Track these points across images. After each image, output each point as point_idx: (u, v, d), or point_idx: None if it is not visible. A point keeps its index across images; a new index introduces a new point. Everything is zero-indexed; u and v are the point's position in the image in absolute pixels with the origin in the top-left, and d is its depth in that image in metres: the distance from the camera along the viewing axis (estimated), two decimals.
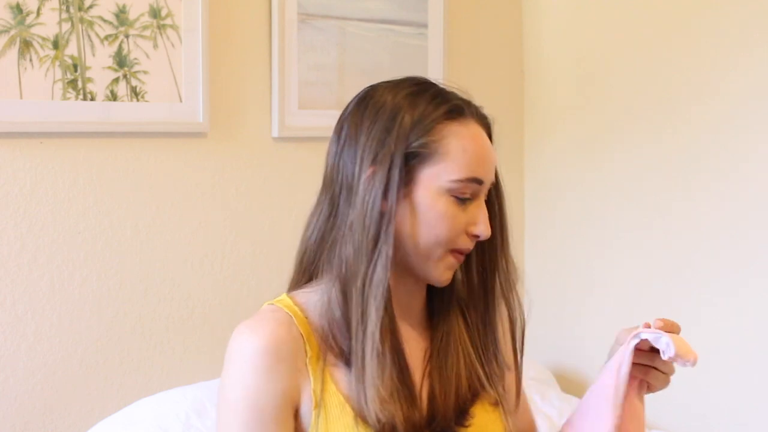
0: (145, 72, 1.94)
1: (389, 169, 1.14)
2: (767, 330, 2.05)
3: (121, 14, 1.90)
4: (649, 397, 1.18)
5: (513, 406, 1.28)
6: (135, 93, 1.93)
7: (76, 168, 1.88)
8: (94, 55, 1.87)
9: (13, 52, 1.78)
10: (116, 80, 1.90)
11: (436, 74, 2.33)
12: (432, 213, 1.15)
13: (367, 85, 1.23)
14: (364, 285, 1.13)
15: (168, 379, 1.99)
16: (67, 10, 1.83)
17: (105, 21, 1.88)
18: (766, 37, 2.03)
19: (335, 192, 1.19)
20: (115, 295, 1.93)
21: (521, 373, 1.28)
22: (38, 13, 1.80)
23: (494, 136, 1.24)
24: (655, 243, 2.28)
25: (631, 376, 1.13)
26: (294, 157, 2.17)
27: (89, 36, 1.87)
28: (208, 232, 2.06)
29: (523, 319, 1.27)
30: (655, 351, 1.12)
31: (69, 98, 1.84)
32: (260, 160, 2.13)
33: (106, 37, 1.89)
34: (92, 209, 1.90)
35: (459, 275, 1.25)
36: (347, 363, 1.15)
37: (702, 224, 2.17)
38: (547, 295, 2.51)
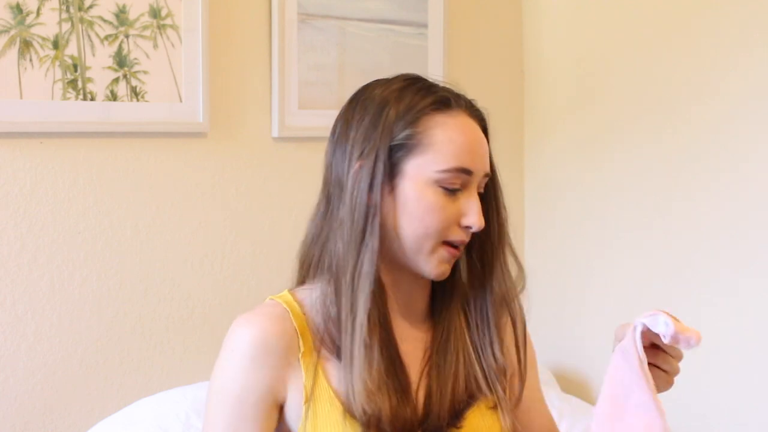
0: (145, 72, 1.94)
1: (374, 163, 1.15)
2: (767, 330, 2.05)
3: (121, 14, 1.90)
4: None
5: (516, 407, 1.28)
6: (135, 93, 1.93)
7: (76, 168, 1.88)
8: (94, 55, 1.87)
9: (13, 52, 1.78)
10: (116, 80, 1.90)
11: (436, 74, 2.31)
12: (420, 205, 1.15)
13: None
14: (353, 278, 1.14)
15: (168, 379, 1.99)
16: (67, 10, 1.83)
17: (105, 21, 1.88)
18: (766, 37, 2.03)
19: (330, 190, 1.20)
20: (115, 295, 1.93)
21: (525, 372, 1.27)
22: (38, 13, 1.80)
23: (492, 132, 1.23)
24: (655, 243, 2.28)
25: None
26: (294, 157, 2.17)
27: (89, 36, 1.87)
28: (208, 232, 2.06)
29: (523, 315, 1.27)
30: (655, 348, 1.09)
31: (69, 98, 1.84)
32: (260, 160, 2.13)
33: (106, 37, 1.89)
34: (92, 209, 1.90)
35: (462, 273, 1.25)
36: (340, 358, 1.16)
37: (702, 224, 2.17)
38: (547, 295, 2.51)
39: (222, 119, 2.06)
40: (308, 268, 1.23)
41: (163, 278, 2.00)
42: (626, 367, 1.06)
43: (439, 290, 1.25)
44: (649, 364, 1.08)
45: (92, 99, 1.87)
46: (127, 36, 1.91)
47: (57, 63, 1.83)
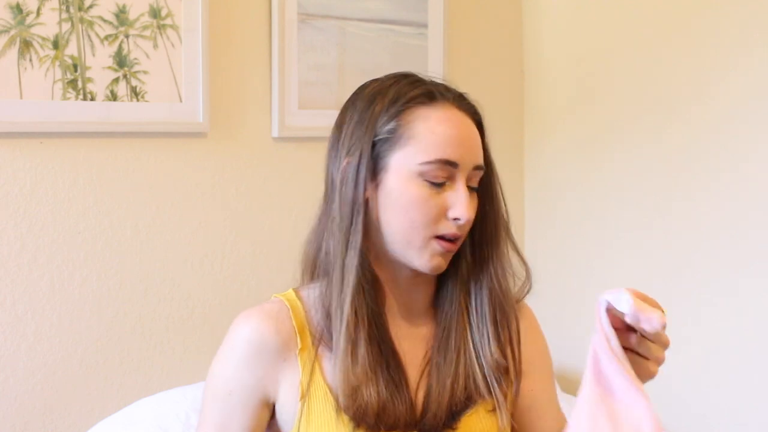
0: (145, 72, 1.94)
1: (359, 159, 1.16)
2: (767, 330, 2.05)
3: (121, 14, 1.90)
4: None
5: (516, 408, 1.27)
6: (135, 93, 1.93)
7: (76, 168, 1.88)
8: (94, 55, 1.87)
9: (13, 52, 1.78)
10: (116, 80, 1.90)
11: (436, 74, 2.32)
12: (404, 198, 1.14)
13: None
14: (341, 273, 1.16)
15: (168, 379, 1.99)
16: (67, 10, 1.83)
17: (105, 21, 1.88)
18: (766, 37, 2.03)
19: (326, 189, 1.22)
20: (115, 295, 1.93)
21: (520, 370, 1.26)
22: (38, 13, 1.80)
23: (492, 132, 1.23)
24: (655, 243, 2.28)
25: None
26: (294, 157, 2.17)
27: (89, 36, 1.87)
28: (208, 232, 2.06)
29: (516, 313, 1.26)
30: (632, 331, 1.03)
31: (69, 98, 1.84)
32: (260, 160, 2.13)
33: (106, 37, 1.89)
34: (92, 209, 1.90)
35: (464, 271, 1.24)
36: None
37: (702, 224, 2.17)
38: (547, 294, 2.51)
39: (222, 119, 2.06)
40: (312, 266, 1.24)
41: (163, 278, 2.00)
42: (599, 344, 1.04)
43: (442, 288, 1.25)
44: (627, 349, 1.03)
45: (92, 99, 1.87)
46: (127, 36, 1.91)
47: (57, 63, 1.83)
